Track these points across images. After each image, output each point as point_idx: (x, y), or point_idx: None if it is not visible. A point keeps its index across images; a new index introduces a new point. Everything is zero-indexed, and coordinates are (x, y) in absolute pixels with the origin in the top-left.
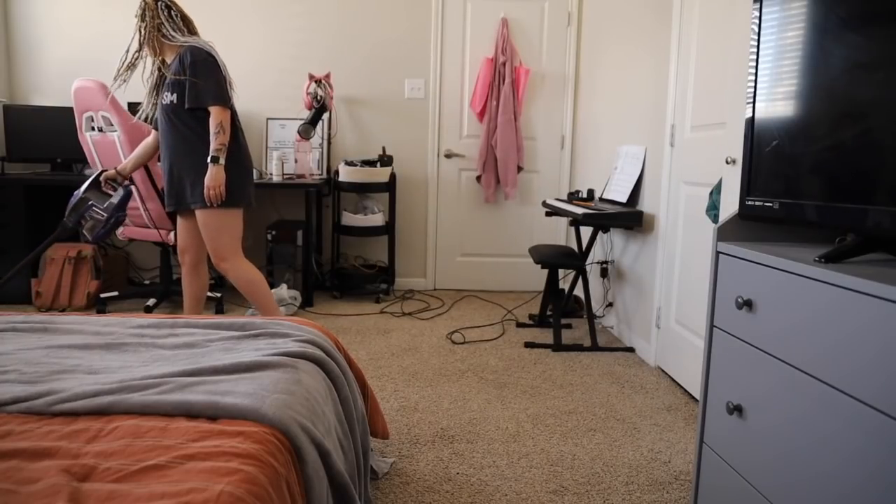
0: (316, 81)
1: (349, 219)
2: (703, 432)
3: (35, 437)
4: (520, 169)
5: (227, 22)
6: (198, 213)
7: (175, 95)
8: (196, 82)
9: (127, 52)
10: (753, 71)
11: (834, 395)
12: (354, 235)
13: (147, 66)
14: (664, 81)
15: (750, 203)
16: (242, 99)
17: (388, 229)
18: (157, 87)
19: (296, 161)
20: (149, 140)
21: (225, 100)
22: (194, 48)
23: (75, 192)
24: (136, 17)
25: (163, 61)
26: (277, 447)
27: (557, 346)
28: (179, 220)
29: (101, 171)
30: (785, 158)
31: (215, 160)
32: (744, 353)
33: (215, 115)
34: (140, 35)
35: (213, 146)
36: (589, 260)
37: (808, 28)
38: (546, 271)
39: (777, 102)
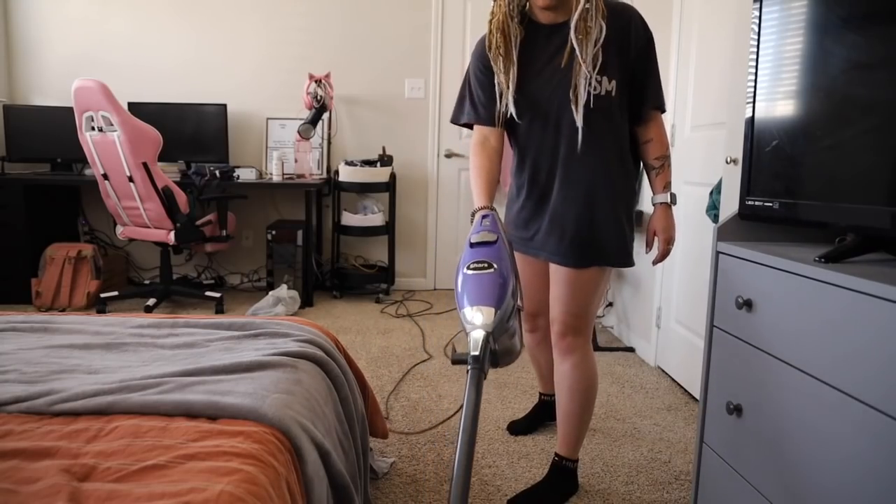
0: (316, 81)
1: (349, 219)
2: (703, 432)
3: (35, 437)
4: None
5: (227, 21)
6: (597, 271)
7: (614, 83)
8: (656, 71)
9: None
10: (753, 71)
11: (834, 395)
12: (354, 235)
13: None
14: (664, 81)
15: (750, 203)
16: (243, 99)
17: (388, 229)
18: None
19: (296, 161)
20: (491, 139)
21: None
22: (638, 13)
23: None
24: None
25: (529, 22)
26: (277, 447)
27: None
28: (533, 273)
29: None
30: (785, 158)
31: (674, 200)
32: (744, 353)
33: (662, 128)
34: None
35: (665, 179)
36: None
37: (808, 28)
38: None
39: (777, 102)
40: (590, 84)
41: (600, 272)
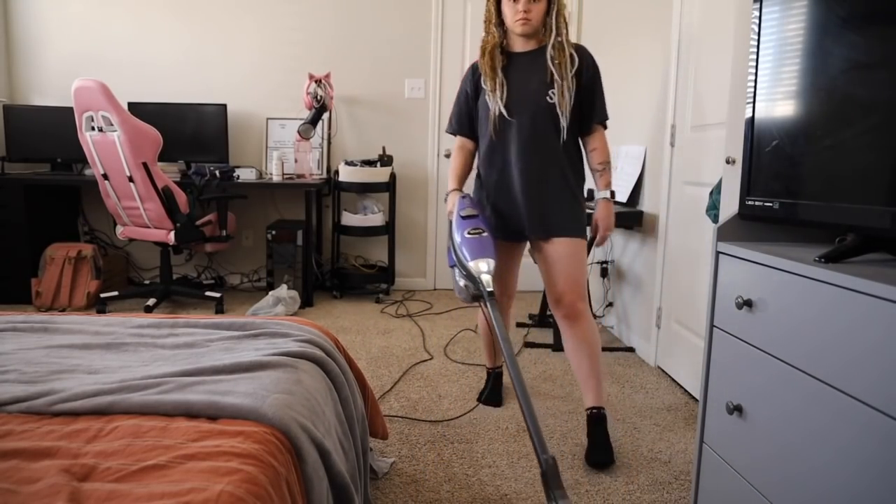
0: (316, 81)
1: (349, 219)
2: (703, 432)
3: (35, 437)
4: None
5: (227, 21)
6: (568, 241)
7: (566, 98)
8: (602, 94)
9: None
10: (753, 71)
11: (834, 395)
12: (354, 235)
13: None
14: (664, 81)
15: (750, 203)
16: (243, 99)
17: (388, 229)
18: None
19: (296, 161)
20: (468, 146)
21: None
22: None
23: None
24: None
25: (499, 48)
26: (277, 447)
27: (557, 346)
28: (508, 255)
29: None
30: (785, 158)
31: (613, 196)
32: (744, 353)
33: (604, 139)
34: (550, 7)
35: (606, 179)
36: (589, 260)
37: (808, 27)
38: None
39: (777, 102)
40: (564, 95)
41: (583, 241)
